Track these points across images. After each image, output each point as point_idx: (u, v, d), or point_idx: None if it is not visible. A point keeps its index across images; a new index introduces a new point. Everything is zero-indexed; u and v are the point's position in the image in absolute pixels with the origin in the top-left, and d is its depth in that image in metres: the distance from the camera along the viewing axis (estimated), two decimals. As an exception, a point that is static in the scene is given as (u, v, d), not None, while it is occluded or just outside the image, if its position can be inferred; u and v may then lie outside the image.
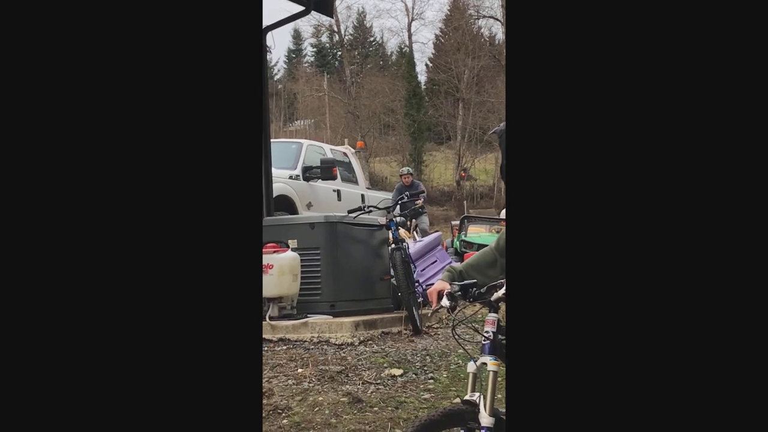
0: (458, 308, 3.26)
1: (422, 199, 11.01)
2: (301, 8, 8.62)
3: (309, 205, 10.69)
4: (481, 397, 3.05)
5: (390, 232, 7.38)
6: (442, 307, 3.31)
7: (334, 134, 33.14)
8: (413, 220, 10.98)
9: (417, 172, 30.72)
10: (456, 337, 3.30)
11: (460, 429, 3.08)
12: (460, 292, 3.20)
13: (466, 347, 3.29)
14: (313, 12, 8.93)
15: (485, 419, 2.99)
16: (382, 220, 7.53)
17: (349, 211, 7.38)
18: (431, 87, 39.59)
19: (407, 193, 9.96)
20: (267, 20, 8.86)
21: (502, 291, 3.11)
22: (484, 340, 3.08)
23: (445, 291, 3.24)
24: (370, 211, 7.65)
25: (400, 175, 12.96)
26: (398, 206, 9.15)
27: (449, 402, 4.82)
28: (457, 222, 13.28)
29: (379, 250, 7.50)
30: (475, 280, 3.24)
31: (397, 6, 54.87)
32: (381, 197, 11.94)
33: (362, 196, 12.13)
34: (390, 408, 4.95)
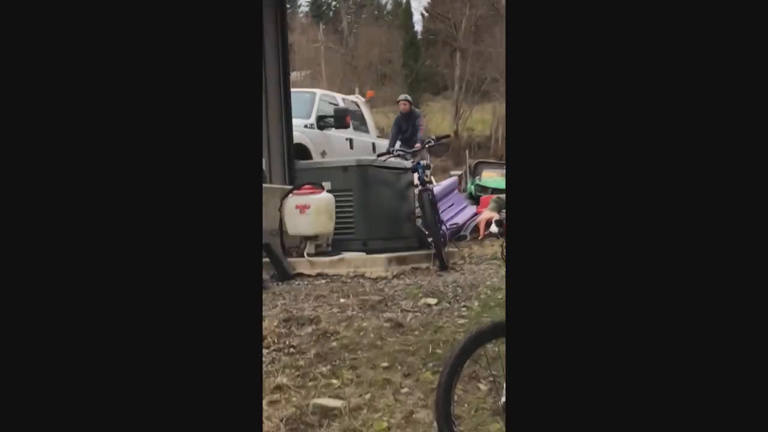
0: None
1: (422, 128, 10.89)
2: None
3: (323, 154, 10.88)
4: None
5: (416, 175, 7.82)
6: (490, 234, 3.71)
7: (330, 85, 33.07)
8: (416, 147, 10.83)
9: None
10: (505, 258, 3.71)
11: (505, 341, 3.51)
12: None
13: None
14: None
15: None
16: (408, 164, 7.98)
17: (379, 155, 7.83)
18: (428, 37, 39.50)
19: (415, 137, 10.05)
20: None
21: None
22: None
23: (494, 219, 3.55)
24: (399, 155, 8.09)
25: (397, 102, 12.19)
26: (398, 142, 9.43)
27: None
28: (472, 167, 13.46)
29: (405, 192, 7.86)
30: None
31: (391, -47, 53.98)
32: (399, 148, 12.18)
33: (373, 144, 12.33)
34: (429, 332, 5.25)
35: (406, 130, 10.81)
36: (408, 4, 40.76)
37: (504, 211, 3.66)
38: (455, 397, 3.51)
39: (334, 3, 43.08)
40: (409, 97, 12.21)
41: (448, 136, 11.01)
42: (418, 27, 40.64)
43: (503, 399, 3.53)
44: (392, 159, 7.80)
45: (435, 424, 3.62)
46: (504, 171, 11.10)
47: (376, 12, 43.52)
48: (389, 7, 43.56)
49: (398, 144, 10.32)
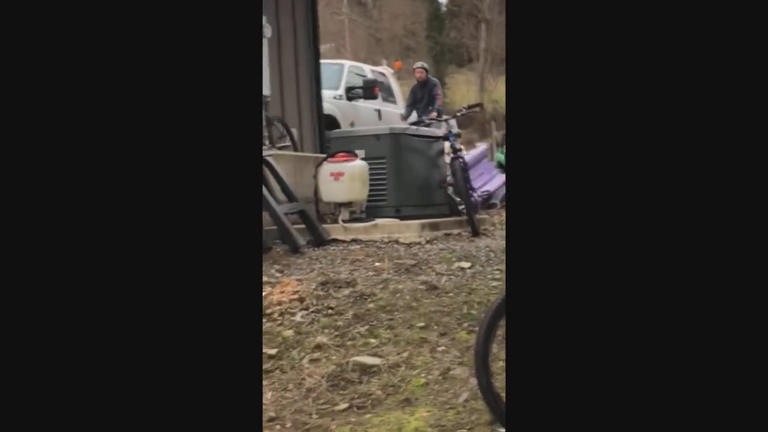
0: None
1: (439, 97, 10.68)
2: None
3: (352, 124, 11.03)
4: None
5: (448, 143, 7.90)
6: None
7: (355, 59, 33.06)
8: (432, 115, 10.22)
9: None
10: None
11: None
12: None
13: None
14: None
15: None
16: (440, 132, 8.07)
17: (411, 123, 7.95)
18: (452, 8, 39.31)
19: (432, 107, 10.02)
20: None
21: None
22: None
23: None
24: (429, 124, 8.19)
25: (414, 69, 11.85)
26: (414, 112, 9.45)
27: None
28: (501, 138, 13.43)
29: (436, 160, 7.95)
30: None
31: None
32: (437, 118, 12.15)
33: (401, 115, 12.29)
34: (463, 293, 5.33)
35: (421, 98, 10.74)
36: (432, -25, 40.48)
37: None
38: (495, 355, 3.55)
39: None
40: (425, 65, 11.77)
41: (479, 105, 10.91)
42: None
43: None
44: (423, 127, 7.90)
45: (474, 378, 3.71)
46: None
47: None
48: (413, -22, 43.31)
49: (414, 113, 10.27)
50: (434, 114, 9.44)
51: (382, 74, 13.35)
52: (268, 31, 7.94)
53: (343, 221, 7.13)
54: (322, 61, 13.23)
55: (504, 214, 8.25)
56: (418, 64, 12.00)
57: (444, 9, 39.37)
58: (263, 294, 5.64)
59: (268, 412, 4.29)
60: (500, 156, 11.67)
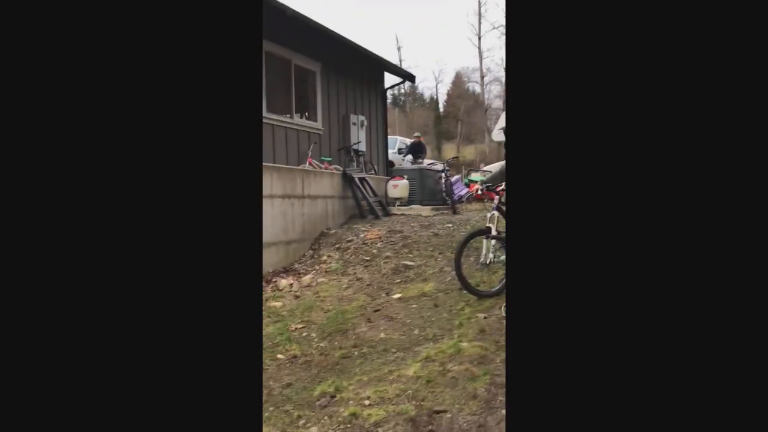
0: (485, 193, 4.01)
1: (425, 153, 10.05)
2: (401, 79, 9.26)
3: (400, 164, 11.22)
4: (492, 225, 3.76)
5: (443, 173, 7.96)
6: (479, 191, 4.13)
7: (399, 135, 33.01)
8: (419, 160, 9.50)
9: (438, 154, 30.64)
10: (489, 203, 4.08)
11: (484, 236, 3.80)
12: (485, 185, 4.04)
13: (491, 207, 4.09)
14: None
15: (494, 232, 3.75)
16: (440, 168, 8.24)
17: (429, 164, 8.16)
18: (445, 114, 39.01)
19: (421, 156, 9.72)
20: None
21: (501, 186, 3.83)
22: (494, 205, 3.86)
23: (478, 188, 4.02)
24: (435, 164, 8.36)
25: (415, 136, 10.46)
26: (410, 154, 9.44)
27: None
28: (466, 172, 13.55)
29: (438, 180, 7.94)
30: (491, 183, 4.09)
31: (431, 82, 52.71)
32: (438, 164, 11.45)
33: (405, 158, 12.29)
34: (449, 237, 5.50)
35: (417, 151, 10.41)
36: (438, 99, 40.18)
37: (484, 184, 4.01)
38: (462, 262, 3.82)
39: (402, 98, 42.68)
40: (419, 134, 10.89)
41: (456, 157, 11.18)
42: (442, 109, 40.06)
43: (481, 260, 3.95)
44: (433, 165, 8.09)
45: (454, 272, 4.04)
46: (478, 173, 11.21)
47: (422, 102, 43.07)
48: (429, 100, 43.06)
49: (410, 157, 9.82)
50: (420, 160, 8.90)
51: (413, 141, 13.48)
52: (365, 121, 8.26)
53: (397, 206, 7.25)
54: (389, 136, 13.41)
55: (467, 205, 8.39)
56: (417, 133, 10.66)
57: (442, 114, 39.05)
58: (364, 234, 5.97)
59: (365, 282, 4.65)
60: (466, 180, 11.69)
